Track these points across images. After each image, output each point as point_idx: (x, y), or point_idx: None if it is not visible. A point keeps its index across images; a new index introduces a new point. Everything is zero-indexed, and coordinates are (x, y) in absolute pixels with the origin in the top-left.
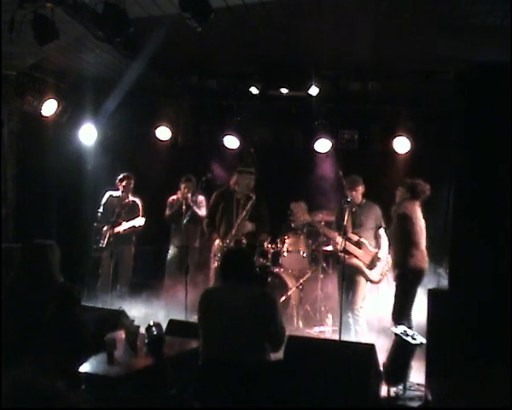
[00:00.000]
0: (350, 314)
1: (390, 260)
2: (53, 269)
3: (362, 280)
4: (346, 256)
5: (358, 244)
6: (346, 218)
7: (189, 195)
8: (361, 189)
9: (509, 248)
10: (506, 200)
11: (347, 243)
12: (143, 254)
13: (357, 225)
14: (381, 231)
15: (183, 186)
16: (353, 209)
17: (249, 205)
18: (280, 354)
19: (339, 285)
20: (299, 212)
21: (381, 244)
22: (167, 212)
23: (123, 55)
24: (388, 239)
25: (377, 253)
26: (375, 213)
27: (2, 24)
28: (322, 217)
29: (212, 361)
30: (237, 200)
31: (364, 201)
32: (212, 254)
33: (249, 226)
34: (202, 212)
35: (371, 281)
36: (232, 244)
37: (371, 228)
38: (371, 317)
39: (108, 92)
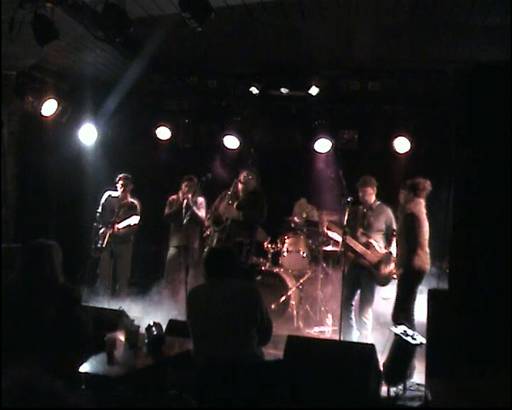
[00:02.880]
0: (352, 316)
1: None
2: (55, 269)
3: (373, 285)
4: (353, 256)
5: (367, 245)
6: (346, 218)
7: (190, 195)
8: (370, 190)
9: (509, 249)
10: (506, 200)
11: (355, 242)
12: (143, 254)
13: (365, 226)
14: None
15: (183, 185)
16: (364, 210)
17: (232, 190)
18: (280, 354)
19: (342, 283)
20: (308, 208)
21: (392, 246)
22: (166, 211)
23: (123, 55)
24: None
25: (386, 254)
26: (387, 215)
27: (2, 24)
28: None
29: (203, 360)
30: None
31: (378, 203)
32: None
33: (234, 212)
34: (202, 213)
35: (378, 282)
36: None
37: (381, 230)
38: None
39: (108, 92)
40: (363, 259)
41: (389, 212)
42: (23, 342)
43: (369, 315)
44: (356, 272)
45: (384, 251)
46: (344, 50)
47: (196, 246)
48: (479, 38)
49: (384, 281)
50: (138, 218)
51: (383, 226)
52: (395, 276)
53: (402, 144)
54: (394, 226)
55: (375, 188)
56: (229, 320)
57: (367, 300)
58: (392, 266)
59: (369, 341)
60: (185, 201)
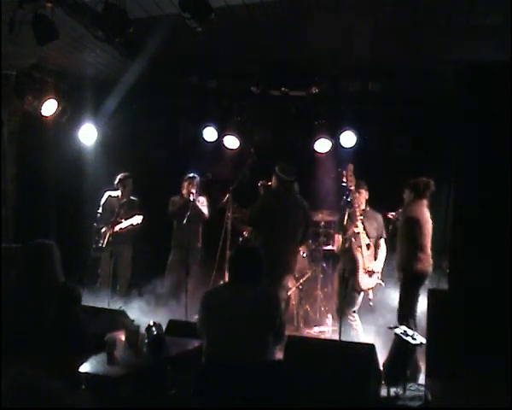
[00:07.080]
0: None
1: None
2: (54, 269)
3: (359, 288)
4: (356, 246)
5: (368, 246)
6: (345, 219)
7: (194, 191)
8: (364, 192)
9: (509, 249)
10: (506, 200)
11: (361, 236)
12: (143, 254)
13: None
14: (382, 242)
15: (186, 184)
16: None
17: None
18: (280, 354)
19: (339, 285)
20: None
21: (379, 255)
22: (170, 208)
23: (123, 55)
24: (387, 247)
25: (375, 261)
26: (378, 222)
27: (2, 24)
28: (322, 217)
29: (218, 361)
30: None
31: (368, 209)
32: None
33: None
34: (205, 211)
35: (359, 285)
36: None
37: (372, 237)
38: (374, 318)
39: (108, 92)
40: (356, 263)
41: (379, 217)
42: (23, 343)
43: (354, 317)
44: (348, 274)
45: (373, 261)
46: (344, 50)
47: (199, 245)
48: (479, 38)
49: (365, 286)
50: (141, 217)
51: (375, 233)
52: (383, 283)
53: (401, 144)
54: (384, 233)
55: (367, 192)
56: (249, 325)
57: (352, 302)
58: (376, 276)
59: (360, 340)
60: (191, 196)
